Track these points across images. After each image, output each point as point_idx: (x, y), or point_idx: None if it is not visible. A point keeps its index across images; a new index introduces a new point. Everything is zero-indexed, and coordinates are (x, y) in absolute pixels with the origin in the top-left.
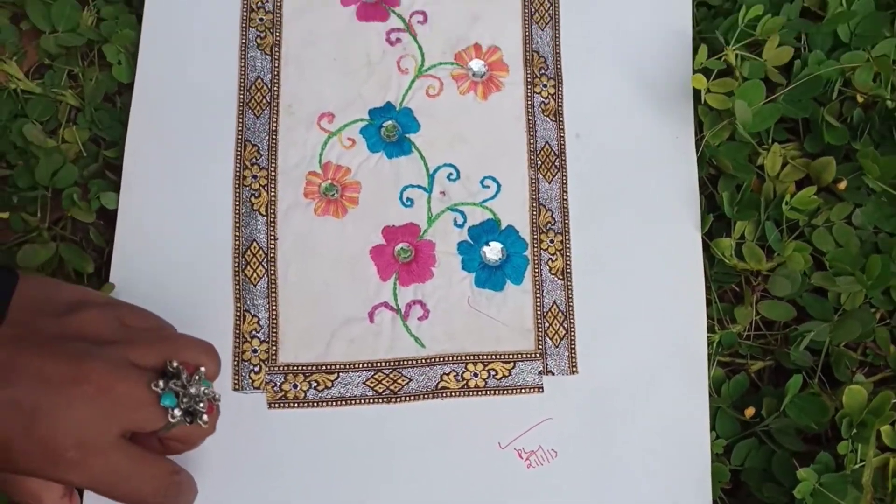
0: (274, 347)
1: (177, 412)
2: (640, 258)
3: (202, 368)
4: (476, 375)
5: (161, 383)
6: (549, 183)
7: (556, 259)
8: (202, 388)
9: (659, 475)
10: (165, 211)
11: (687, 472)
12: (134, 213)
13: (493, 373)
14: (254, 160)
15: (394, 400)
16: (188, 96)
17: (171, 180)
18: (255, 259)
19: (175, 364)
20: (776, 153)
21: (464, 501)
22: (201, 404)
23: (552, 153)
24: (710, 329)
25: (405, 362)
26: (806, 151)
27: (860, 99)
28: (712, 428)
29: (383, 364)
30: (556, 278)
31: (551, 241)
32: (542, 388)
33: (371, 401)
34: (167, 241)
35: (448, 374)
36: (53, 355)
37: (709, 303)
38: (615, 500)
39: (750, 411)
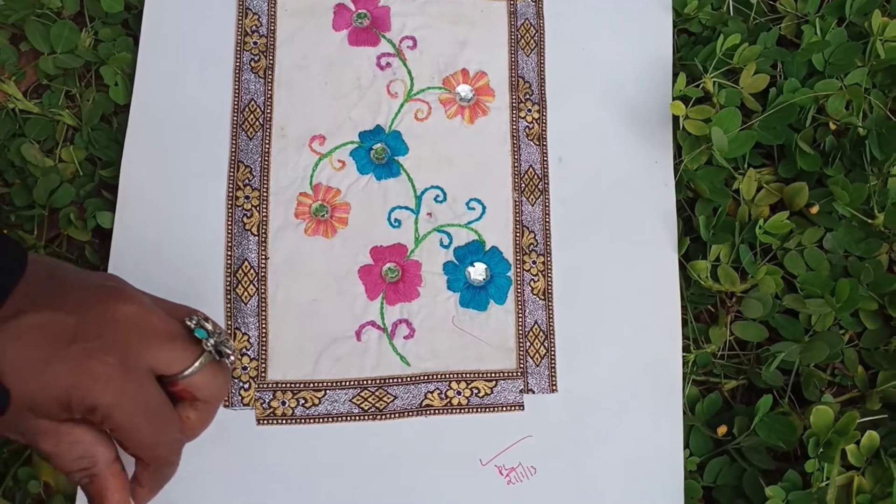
0: (263, 365)
1: (210, 342)
2: (618, 279)
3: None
4: (459, 394)
5: (195, 319)
6: (533, 205)
7: (538, 280)
8: (226, 337)
9: (633, 492)
10: (159, 230)
11: (661, 489)
12: (129, 232)
13: (475, 391)
14: (246, 181)
15: (379, 417)
16: (183, 118)
17: (165, 200)
18: (246, 278)
19: (203, 316)
20: (751, 178)
21: None
22: (228, 347)
23: (535, 176)
24: (686, 348)
25: (391, 380)
26: (780, 176)
27: (833, 126)
28: (686, 445)
29: (369, 382)
30: (537, 298)
31: (534, 262)
32: (523, 405)
33: (357, 418)
34: (161, 259)
35: (432, 392)
36: (91, 289)
37: (684, 323)
38: None
39: (722, 430)
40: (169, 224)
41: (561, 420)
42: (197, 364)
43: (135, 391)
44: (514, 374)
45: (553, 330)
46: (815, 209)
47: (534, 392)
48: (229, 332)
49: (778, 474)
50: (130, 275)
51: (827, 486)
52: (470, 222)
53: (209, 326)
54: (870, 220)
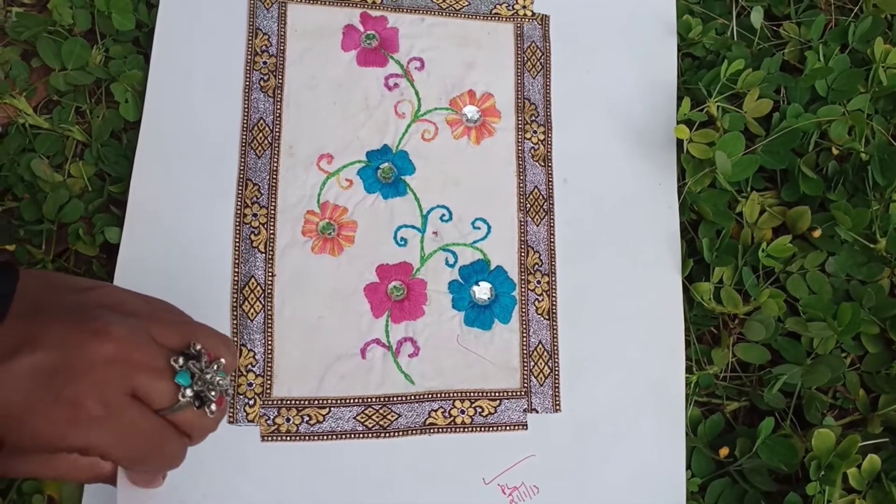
0: (269, 381)
1: (188, 392)
2: (622, 300)
3: (221, 360)
4: (463, 412)
5: (181, 360)
6: (538, 226)
7: (543, 299)
8: (217, 378)
9: None
10: (167, 246)
11: None
12: (136, 248)
13: (479, 410)
14: (254, 199)
15: (383, 435)
16: (193, 135)
17: (173, 216)
18: (252, 295)
19: (198, 347)
20: (754, 201)
21: None
22: (213, 392)
23: (541, 197)
24: (688, 370)
25: (395, 398)
26: (783, 200)
27: (835, 151)
28: (688, 467)
29: (373, 400)
30: (542, 318)
31: (538, 282)
32: (527, 425)
33: (361, 435)
34: (168, 274)
35: (436, 411)
36: (73, 320)
37: (687, 344)
38: None
39: (724, 451)
40: (176, 240)
41: (564, 440)
42: (174, 408)
43: (121, 427)
44: (518, 393)
45: (557, 349)
46: (817, 233)
47: (537, 412)
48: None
49: (779, 496)
50: (136, 289)
51: None
52: (475, 241)
53: (196, 368)
54: (872, 245)
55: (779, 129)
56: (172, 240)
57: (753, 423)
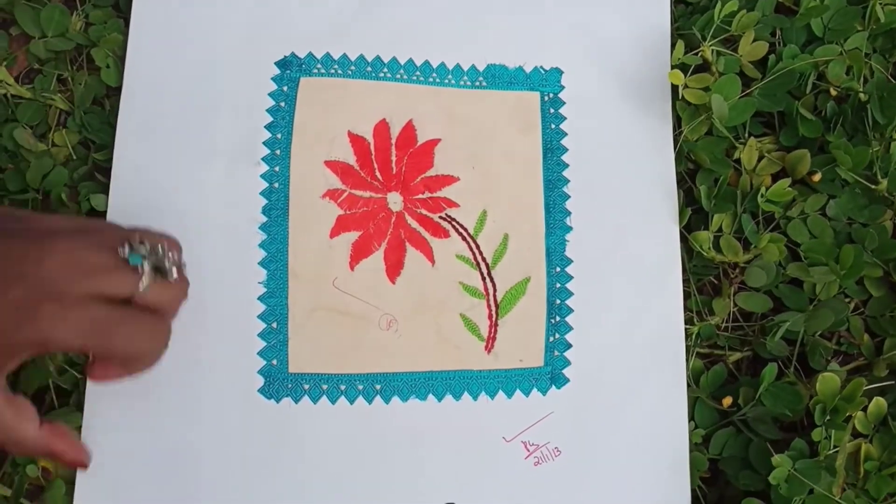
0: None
1: (146, 266)
2: (620, 252)
3: (164, 243)
4: None
5: (126, 247)
6: None
7: None
8: (167, 254)
9: (639, 466)
10: (153, 211)
11: (666, 462)
12: (122, 214)
13: None
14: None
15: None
16: (175, 99)
17: (158, 181)
18: None
19: (139, 238)
20: (752, 147)
21: (472, 493)
22: (167, 263)
23: None
24: (689, 321)
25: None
26: (781, 145)
27: (833, 92)
28: (691, 418)
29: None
30: None
31: None
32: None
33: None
34: None
35: None
36: (17, 239)
37: (687, 295)
38: (598, 488)
39: (727, 401)
40: (163, 205)
41: (576, 396)
42: (141, 288)
43: (84, 318)
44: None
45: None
46: (817, 177)
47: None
48: None
49: (784, 444)
50: None
51: (835, 454)
52: None
53: (143, 249)
54: (873, 186)
55: (775, 70)
56: (159, 205)
57: (756, 373)
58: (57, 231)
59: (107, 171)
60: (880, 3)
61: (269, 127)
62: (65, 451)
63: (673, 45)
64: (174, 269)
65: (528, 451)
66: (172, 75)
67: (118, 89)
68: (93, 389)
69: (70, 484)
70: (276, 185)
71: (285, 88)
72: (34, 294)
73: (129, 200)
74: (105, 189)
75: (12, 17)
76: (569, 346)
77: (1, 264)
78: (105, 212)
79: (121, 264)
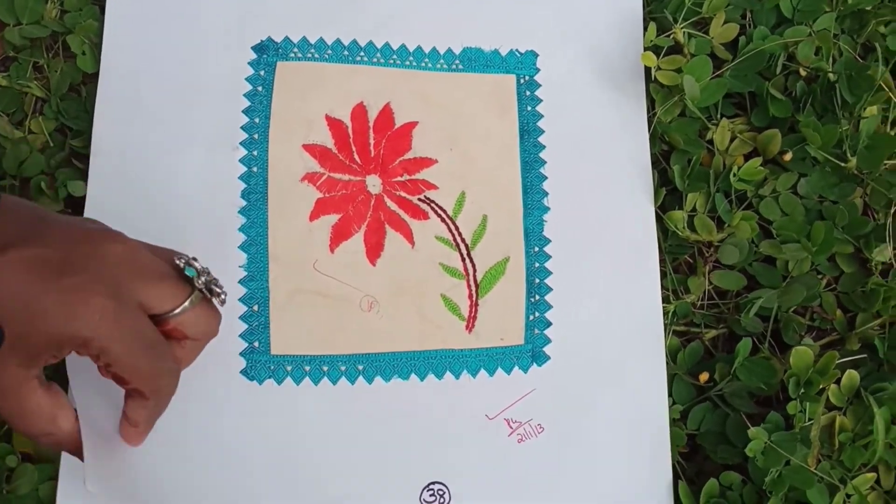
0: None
1: (200, 282)
2: (596, 232)
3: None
4: None
5: (183, 259)
6: None
7: None
8: (215, 278)
9: (622, 440)
10: (133, 197)
11: (646, 438)
12: (101, 201)
13: None
14: None
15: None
16: (152, 85)
17: (137, 167)
18: None
19: (190, 256)
20: (724, 128)
21: (457, 471)
22: (219, 284)
23: None
24: (666, 299)
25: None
26: (753, 125)
27: (803, 72)
28: (669, 394)
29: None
30: None
31: None
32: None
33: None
34: (135, 227)
35: None
36: (80, 227)
37: (663, 274)
38: (581, 463)
39: (704, 376)
40: (142, 191)
41: (557, 373)
42: (188, 302)
43: (130, 324)
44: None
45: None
46: (788, 156)
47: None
48: None
49: (760, 418)
50: None
51: (809, 426)
52: None
53: (198, 266)
54: (843, 164)
55: (746, 51)
56: (137, 190)
57: (732, 349)
58: (115, 232)
59: (84, 158)
60: None
61: (246, 111)
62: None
63: (645, 28)
64: (223, 295)
65: (512, 428)
66: (149, 61)
67: (94, 76)
68: (75, 375)
69: (42, 465)
70: (255, 169)
71: (262, 73)
72: (89, 284)
73: (107, 187)
74: (82, 175)
75: None
76: (549, 324)
77: (60, 247)
78: (83, 198)
79: (174, 274)
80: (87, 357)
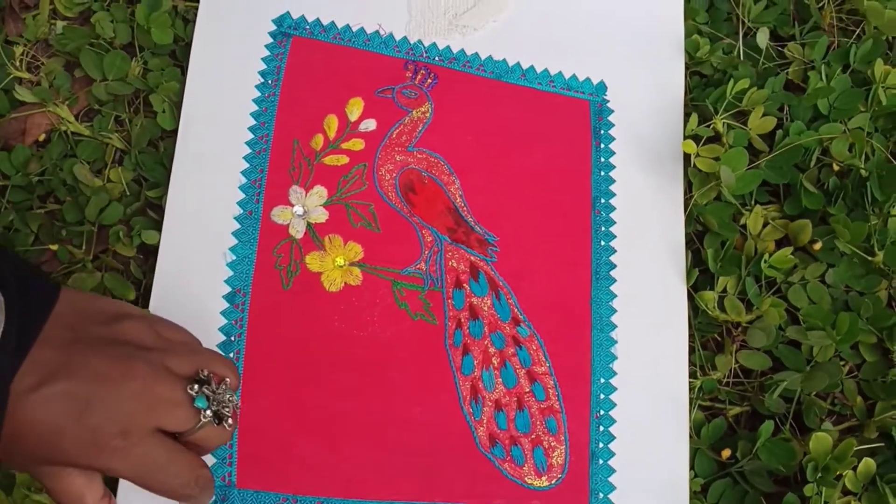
0: None
1: (208, 412)
2: (629, 308)
3: (227, 379)
4: None
5: (196, 387)
6: None
7: None
8: (227, 396)
9: None
10: (203, 248)
11: None
12: (174, 250)
13: None
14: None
15: None
16: (227, 144)
17: (209, 220)
18: None
19: (206, 373)
20: (758, 214)
21: None
22: (226, 409)
23: None
24: (693, 375)
25: None
26: (785, 213)
27: (836, 167)
28: (691, 467)
29: None
30: None
31: None
32: None
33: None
34: (204, 276)
35: None
36: (105, 355)
37: (692, 350)
38: None
39: (726, 453)
40: (213, 243)
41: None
42: (198, 426)
43: (140, 453)
44: None
45: None
46: (818, 245)
47: None
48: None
49: (778, 497)
50: (172, 294)
51: None
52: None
53: (209, 391)
54: (870, 258)
55: (782, 145)
56: (209, 243)
57: (755, 427)
58: (139, 344)
59: (158, 209)
60: (883, 87)
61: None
62: None
63: (687, 115)
64: (230, 419)
65: None
66: (224, 121)
67: (172, 132)
68: None
69: None
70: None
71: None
72: (108, 426)
73: (180, 237)
74: (156, 225)
75: (77, 60)
76: None
77: (82, 385)
78: (157, 246)
79: (186, 401)
80: None
